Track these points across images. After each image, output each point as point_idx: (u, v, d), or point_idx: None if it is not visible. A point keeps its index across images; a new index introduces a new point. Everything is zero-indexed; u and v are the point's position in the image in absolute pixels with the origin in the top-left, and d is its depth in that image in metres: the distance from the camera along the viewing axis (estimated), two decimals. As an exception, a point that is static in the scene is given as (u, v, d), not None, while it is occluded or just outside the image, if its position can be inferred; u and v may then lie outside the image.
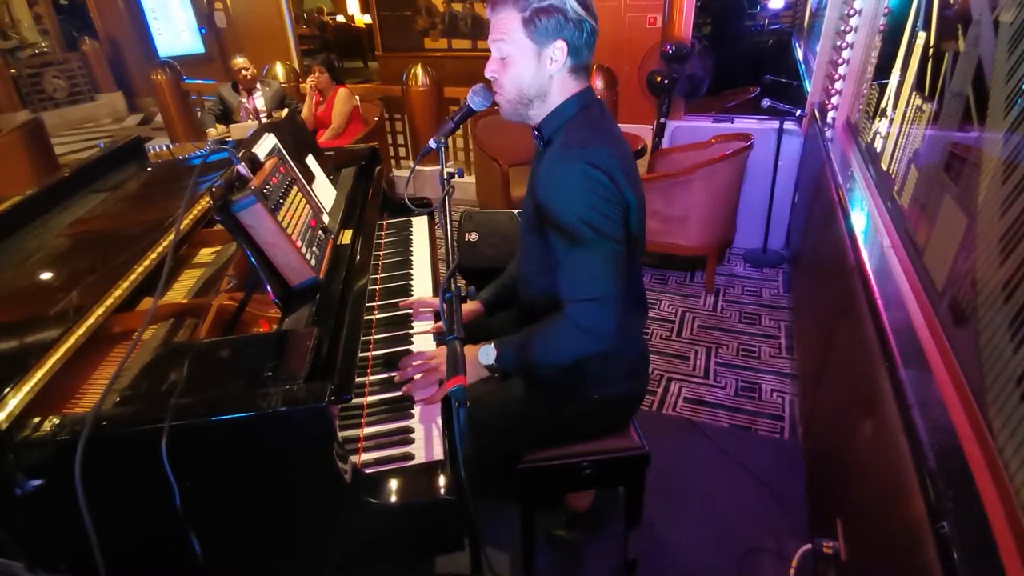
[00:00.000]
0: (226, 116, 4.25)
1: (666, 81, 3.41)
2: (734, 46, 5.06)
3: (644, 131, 3.86)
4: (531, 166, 1.33)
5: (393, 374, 1.26)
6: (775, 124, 3.19)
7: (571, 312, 1.15)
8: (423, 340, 1.38)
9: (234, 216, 1.10)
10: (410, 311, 1.48)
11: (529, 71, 1.15)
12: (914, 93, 1.62)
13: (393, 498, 0.99)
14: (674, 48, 3.31)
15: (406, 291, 1.58)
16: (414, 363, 1.25)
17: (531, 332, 1.23)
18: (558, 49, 1.13)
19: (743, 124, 3.40)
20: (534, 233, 1.25)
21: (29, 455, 0.85)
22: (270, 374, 0.94)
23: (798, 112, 3.17)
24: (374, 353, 1.34)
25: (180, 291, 1.36)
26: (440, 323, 1.39)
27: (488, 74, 1.20)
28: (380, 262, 1.72)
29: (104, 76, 8.20)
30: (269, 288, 1.15)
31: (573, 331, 1.16)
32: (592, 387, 1.33)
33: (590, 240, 1.11)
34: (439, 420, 1.14)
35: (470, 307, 1.53)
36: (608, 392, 1.35)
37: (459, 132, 4.36)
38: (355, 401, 1.18)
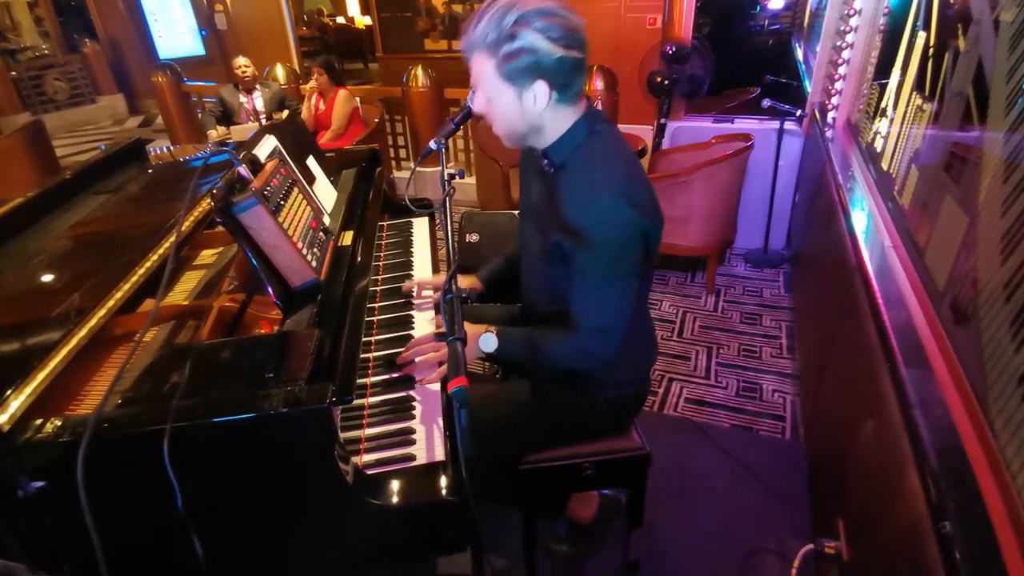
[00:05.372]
0: (227, 118, 4.25)
1: (666, 81, 3.42)
2: (734, 46, 5.05)
3: (644, 131, 3.86)
4: (531, 178, 1.30)
5: (395, 375, 1.26)
6: (775, 124, 3.19)
7: (582, 337, 1.18)
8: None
9: (235, 217, 1.10)
10: (410, 312, 1.48)
11: (515, 112, 1.11)
12: (914, 93, 1.62)
13: (395, 499, 0.99)
14: (674, 49, 3.32)
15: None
16: (416, 346, 1.27)
17: (537, 335, 1.25)
18: (539, 89, 1.07)
19: (743, 124, 3.40)
20: (543, 258, 1.23)
21: (31, 457, 0.85)
22: (272, 375, 0.94)
23: (798, 112, 3.17)
24: (375, 354, 1.34)
25: (181, 293, 1.36)
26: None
27: (476, 111, 1.17)
28: (381, 263, 1.72)
29: (105, 78, 8.22)
30: (270, 289, 1.15)
31: (580, 352, 1.20)
32: (599, 390, 1.35)
33: (617, 275, 1.13)
34: (440, 421, 1.15)
35: (467, 281, 1.55)
36: (613, 394, 1.36)
37: (460, 133, 4.35)
38: (356, 402, 1.18)
